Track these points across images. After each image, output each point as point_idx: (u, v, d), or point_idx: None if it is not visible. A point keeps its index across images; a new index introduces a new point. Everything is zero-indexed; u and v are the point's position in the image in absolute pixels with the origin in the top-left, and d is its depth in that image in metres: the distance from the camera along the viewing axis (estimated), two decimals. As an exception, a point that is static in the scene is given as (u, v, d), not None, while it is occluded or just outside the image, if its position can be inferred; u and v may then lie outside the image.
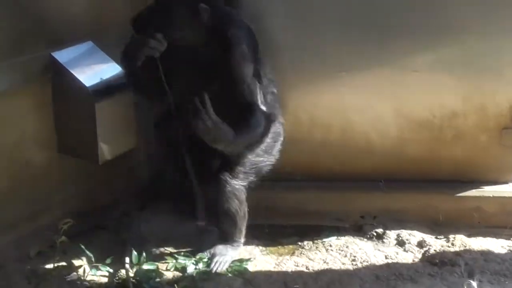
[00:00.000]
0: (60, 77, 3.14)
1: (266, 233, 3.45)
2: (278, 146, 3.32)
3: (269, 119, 3.20)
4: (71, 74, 3.12)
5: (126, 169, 3.49)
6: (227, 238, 3.31)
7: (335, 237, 3.43)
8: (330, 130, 3.52)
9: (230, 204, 3.24)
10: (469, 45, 3.38)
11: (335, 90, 3.46)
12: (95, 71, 3.18)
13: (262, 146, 3.23)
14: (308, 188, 3.54)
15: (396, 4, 3.36)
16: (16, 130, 3.11)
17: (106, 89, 3.16)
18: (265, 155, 3.28)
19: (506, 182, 3.54)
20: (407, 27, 3.37)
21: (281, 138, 3.33)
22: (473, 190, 3.50)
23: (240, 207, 3.26)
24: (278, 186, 3.51)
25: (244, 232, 3.32)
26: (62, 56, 3.13)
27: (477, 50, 3.38)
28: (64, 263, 3.19)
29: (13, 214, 3.15)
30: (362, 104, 3.48)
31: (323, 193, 3.52)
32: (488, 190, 3.50)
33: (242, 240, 3.33)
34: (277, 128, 3.29)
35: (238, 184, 3.24)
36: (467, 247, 3.34)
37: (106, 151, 3.20)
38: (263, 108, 3.16)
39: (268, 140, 3.24)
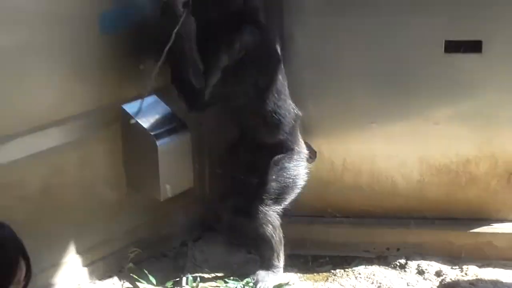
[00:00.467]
0: (128, 125, 3.14)
1: (304, 262, 3.44)
2: (301, 176, 3.26)
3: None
4: (138, 122, 3.12)
5: (184, 205, 3.47)
6: (267, 264, 3.26)
7: (364, 266, 3.41)
8: (360, 174, 3.51)
9: (265, 229, 3.19)
10: (482, 101, 3.37)
11: (365, 139, 3.46)
12: (157, 120, 3.18)
13: (284, 172, 3.20)
14: (340, 224, 3.52)
15: (419, 63, 3.36)
16: (92, 170, 3.12)
17: (167, 135, 3.14)
18: (289, 184, 3.23)
19: (513, 220, 3.50)
20: (429, 83, 3.37)
21: (303, 169, 3.27)
22: (485, 227, 3.45)
23: (274, 232, 3.21)
24: (315, 221, 3.51)
25: (282, 256, 3.27)
26: (130, 107, 3.14)
27: (488, 105, 3.37)
28: (131, 286, 3.21)
29: (88, 242, 3.16)
30: (389, 152, 3.47)
31: (354, 228, 3.50)
32: (498, 227, 3.46)
33: (281, 264, 3.27)
34: (299, 158, 3.25)
35: (269, 210, 3.20)
36: (479, 277, 3.31)
37: (167, 189, 3.17)
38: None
39: (289, 165, 3.21)
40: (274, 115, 3.14)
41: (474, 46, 3.30)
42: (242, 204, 3.23)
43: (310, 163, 3.34)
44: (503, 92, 3.35)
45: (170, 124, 3.18)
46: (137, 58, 3.16)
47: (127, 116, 3.13)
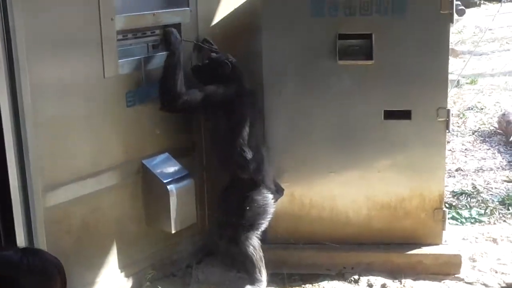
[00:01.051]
0: (147, 176, 3.16)
1: (281, 279, 3.37)
2: (270, 205, 3.20)
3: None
4: (154, 174, 3.15)
5: (189, 236, 3.46)
6: (252, 279, 3.20)
7: (327, 281, 3.39)
8: (323, 210, 3.48)
9: (247, 250, 3.15)
10: (412, 154, 3.38)
11: (326, 183, 3.44)
12: (169, 171, 3.19)
13: (255, 207, 3.14)
14: (308, 249, 3.46)
15: (365, 128, 3.38)
16: (119, 210, 3.12)
17: (176, 183, 3.16)
18: (260, 212, 3.18)
19: (437, 244, 3.46)
20: (374, 142, 3.39)
21: (271, 200, 3.20)
22: (417, 250, 3.43)
23: (255, 251, 3.16)
24: (289, 247, 3.46)
25: (264, 272, 3.20)
26: (148, 162, 3.17)
27: (417, 157, 3.38)
28: (148, 300, 3.24)
29: (116, 265, 3.14)
30: (344, 193, 3.45)
31: (318, 252, 3.45)
32: (426, 250, 3.44)
33: (264, 279, 3.20)
34: (264, 194, 3.18)
35: (249, 235, 3.16)
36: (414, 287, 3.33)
37: (177, 223, 3.18)
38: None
39: (259, 197, 3.16)
40: (242, 153, 3.10)
41: (406, 114, 3.34)
42: (230, 233, 3.19)
43: (277, 198, 3.28)
44: (428, 148, 3.36)
45: (178, 175, 3.18)
46: (154, 125, 3.20)
47: (146, 168, 3.15)
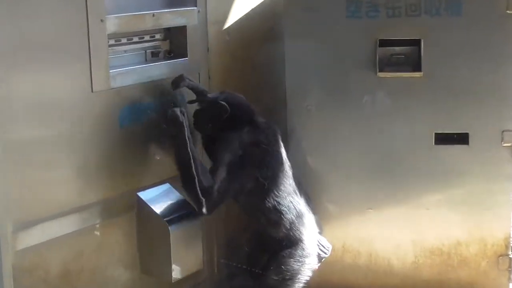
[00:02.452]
0: (143, 212, 3.11)
1: None
2: (302, 272, 3.13)
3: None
4: (152, 209, 3.09)
5: (194, 285, 3.40)
6: None
7: None
8: (359, 256, 3.49)
9: None
10: (469, 188, 3.39)
11: (363, 223, 3.45)
12: (170, 206, 3.15)
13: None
14: None
15: (411, 155, 3.39)
16: (108, 254, 3.06)
17: (179, 221, 3.10)
18: (287, 278, 3.11)
19: (502, 300, 3.46)
20: (420, 173, 3.39)
21: (305, 265, 3.13)
22: None
23: None
24: None
25: None
26: (145, 195, 3.12)
27: (476, 192, 3.38)
28: None
29: None
30: (385, 235, 3.45)
31: None
32: None
33: None
34: (301, 254, 3.12)
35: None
36: None
37: (177, 271, 3.11)
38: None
39: (289, 260, 3.10)
40: (274, 210, 3.09)
41: (462, 138, 3.33)
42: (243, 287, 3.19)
43: (321, 259, 3.24)
44: (490, 180, 3.35)
45: (182, 211, 3.14)
46: (152, 149, 3.17)
47: (142, 202, 3.10)
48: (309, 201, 3.26)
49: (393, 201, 3.41)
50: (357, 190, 3.43)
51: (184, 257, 3.14)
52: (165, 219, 3.07)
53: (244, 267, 3.18)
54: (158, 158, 3.18)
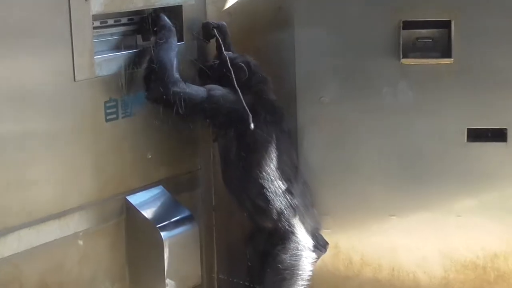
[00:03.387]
0: (133, 218, 3.13)
1: None
2: (302, 268, 3.19)
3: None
4: (143, 215, 3.11)
5: None
6: None
7: None
8: (379, 269, 3.47)
9: None
10: (508, 192, 3.36)
11: (384, 232, 3.43)
12: (163, 212, 3.18)
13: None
14: None
15: (439, 155, 3.36)
16: (93, 264, 3.06)
17: (173, 228, 3.13)
18: (287, 277, 3.17)
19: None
20: (451, 174, 3.37)
21: (304, 261, 3.19)
22: None
23: None
24: None
25: None
26: (135, 199, 3.14)
27: None
28: None
29: None
30: (410, 246, 3.43)
31: None
32: None
33: None
34: (295, 251, 3.18)
35: None
36: None
37: (172, 286, 3.13)
38: None
39: (285, 256, 3.16)
40: (259, 195, 3.14)
41: (499, 134, 3.30)
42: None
43: (317, 256, 3.29)
44: None
45: (176, 216, 3.17)
46: (143, 146, 3.18)
47: (132, 207, 3.12)
48: (308, 192, 3.31)
49: (419, 207, 3.40)
50: (378, 194, 3.42)
51: (180, 270, 3.14)
52: (157, 226, 3.08)
53: (247, 284, 3.23)
54: (149, 156, 3.18)
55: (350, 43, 3.34)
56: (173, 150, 3.30)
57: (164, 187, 3.24)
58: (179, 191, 3.28)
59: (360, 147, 3.40)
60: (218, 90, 3.14)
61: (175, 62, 3.05)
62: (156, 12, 3.14)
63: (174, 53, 3.07)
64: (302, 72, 3.36)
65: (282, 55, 3.41)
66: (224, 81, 3.20)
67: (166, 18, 3.12)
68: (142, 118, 3.13)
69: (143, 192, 3.17)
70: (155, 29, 3.12)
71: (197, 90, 3.09)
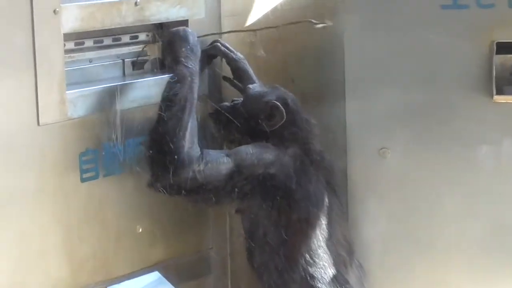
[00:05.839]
0: None
1: None
2: None
3: None
4: None
5: None
6: None
7: None
8: None
9: None
10: None
11: None
12: None
13: None
14: None
15: None
16: None
17: None
18: None
19: None
20: None
21: None
22: None
23: None
24: None
25: None
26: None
27: None
28: None
29: None
30: None
31: None
32: None
33: None
34: None
35: None
36: None
37: None
38: None
39: None
40: (307, 279, 3.12)
41: None
42: None
43: None
44: None
45: None
46: (132, 216, 3.17)
47: None
48: (364, 279, 3.35)
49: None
50: (457, 281, 3.41)
51: None
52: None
53: None
54: (140, 230, 3.20)
55: (420, 74, 3.36)
56: (174, 223, 3.31)
57: (161, 273, 3.22)
58: (182, 278, 3.30)
59: (433, 217, 3.41)
60: (247, 154, 3.11)
61: (192, 122, 3.03)
62: (164, 28, 3.18)
63: (192, 103, 3.05)
64: (352, 112, 3.41)
65: (326, 89, 3.48)
66: (249, 127, 3.20)
67: (190, 35, 3.11)
68: (132, 178, 3.10)
69: (132, 280, 3.15)
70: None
71: (219, 161, 3.06)
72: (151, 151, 3.02)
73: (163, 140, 3.00)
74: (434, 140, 3.37)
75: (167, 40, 3.17)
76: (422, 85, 3.36)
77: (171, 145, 2.98)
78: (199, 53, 3.14)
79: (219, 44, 3.33)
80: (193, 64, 3.12)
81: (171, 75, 3.09)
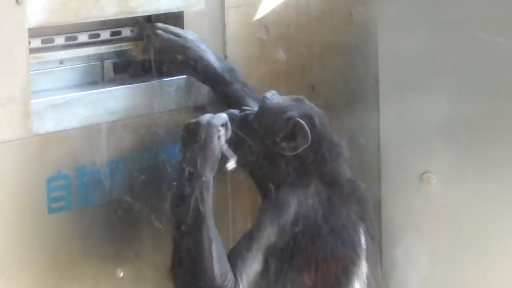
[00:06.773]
0: None
1: None
2: None
3: None
4: None
5: None
6: None
7: None
8: None
9: None
10: None
11: None
12: None
13: None
14: None
15: None
16: None
17: None
18: None
19: None
20: None
21: None
22: None
23: None
24: None
25: None
26: None
27: None
28: None
29: None
30: None
31: None
32: None
33: None
34: None
35: None
36: None
37: None
38: None
39: None
40: None
41: None
42: None
43: None
44: None
45: None
46: (113, 255, 3.08)
47: None
48: None
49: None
50: None
51: None
52: None
53: None
54: (121, 275, 3.12)
55: (472, 80, 3.30)
56: (165, 268, 3.07)
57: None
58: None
59: (488, 259, 3.35)
60: (269, 235, 3.00)
61: (220, 241, 2.95)
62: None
63: (211, 205, 2.93)
64: (389, 128, 3.39)
65: (354, 98, 3.49)
66: (263, 147, 3.09)
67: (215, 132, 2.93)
68: (112, 209, 3.02)
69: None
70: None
71: (255, 270, 3.00)
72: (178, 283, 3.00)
73: (189, 273, 2.95)
74: (489, 162, 3.34)
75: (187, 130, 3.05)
76: (475, 94, 3.32)
77: (201, 282, 2.91)
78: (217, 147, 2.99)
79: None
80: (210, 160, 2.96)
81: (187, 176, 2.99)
